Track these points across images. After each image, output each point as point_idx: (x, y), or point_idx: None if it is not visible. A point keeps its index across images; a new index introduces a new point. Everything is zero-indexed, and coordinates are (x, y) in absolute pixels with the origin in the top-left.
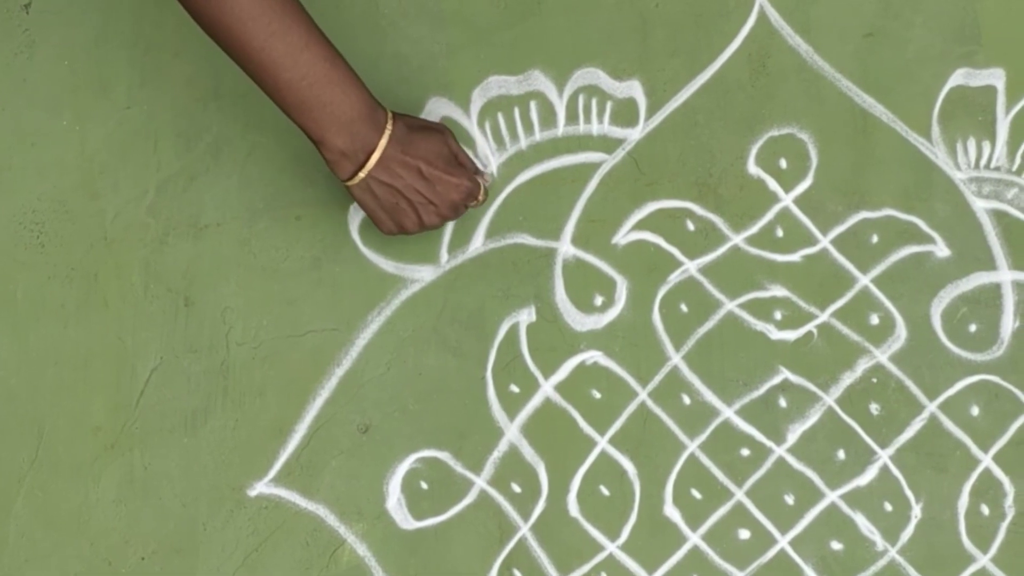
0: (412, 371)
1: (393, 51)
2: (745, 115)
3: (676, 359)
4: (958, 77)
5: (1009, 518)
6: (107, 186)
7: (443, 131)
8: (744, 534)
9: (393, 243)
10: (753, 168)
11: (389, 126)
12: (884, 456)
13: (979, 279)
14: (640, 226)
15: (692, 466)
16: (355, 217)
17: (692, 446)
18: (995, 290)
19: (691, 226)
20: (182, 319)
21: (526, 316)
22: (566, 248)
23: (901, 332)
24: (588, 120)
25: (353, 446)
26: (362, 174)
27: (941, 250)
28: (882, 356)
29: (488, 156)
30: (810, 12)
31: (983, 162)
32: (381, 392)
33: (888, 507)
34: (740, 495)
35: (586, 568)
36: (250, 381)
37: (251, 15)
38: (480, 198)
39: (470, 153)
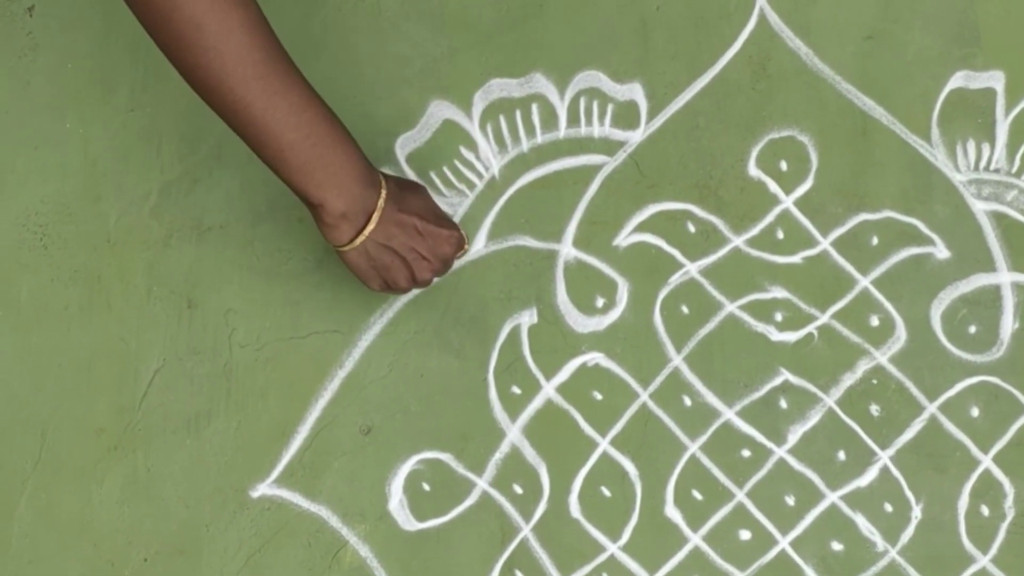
0: (414, 373)
1: (395, 53)
2: (745, 117)
3: (677, 360)
4: (958, 79)
5: (1009, 519)
6: (110, 189)
7: (423, 187)
8: (745, 535)
9: None
10: (754, 170)
11: (384, 185)
12: (884, 457)
13: (979, 280)
14: (641, 228)
15: (693, 467)
16: None
17: (693, 447)
18: (995, 291)
19: (692, 228)
20: (185, 321)
21: (528, 318)
22: (567, 250)
23: (901, 333)
24: (589, 122)
25: (355, 447)
26: (361, 238)
27: (941, 252)
28: (882, 357)
29: (490, 158)
30: (810, 15)
31: (983, 164)
32: (383, 394)
33: (888, 508)
34: (741, 496)
35: (587, 569)
36: (253, 383)
37: (254, 75)
38: (466, 247)
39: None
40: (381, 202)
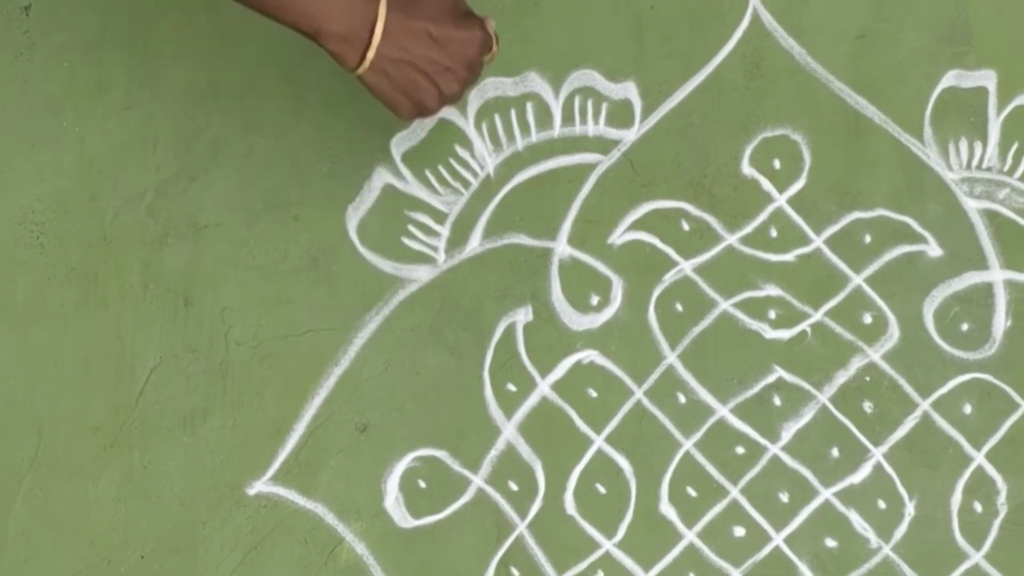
0: (410, 370)
1: None
2: (739, 116)
3: (671, 358)
4: (950, 78)
5: (1002, 515)
6: (106, 187)
7: None
8: (739, 531)
9: (391, 243)
10: (747, 169)
11: None
12: (877, 454)
13: (971, 278)
14: (635, 226)
15: (687, 464)
16: (353, 217)
17: (687, 444)
18: (987, 289)
19: (686, 226)
20: (181, 319)
21: (523, 316)
22: (562, 248)
23: (894, 331)
24: (584, 121)
25: (351, 445)
26: (371, 55)
27: (933, 250)
28: (875, 355)
29: (485, 157)
30: (803, 14)
31: (975, 162)
32: (379, 391)
33: (882, 504)
34: (735, 493)
35: (583, 566)
36: (249, 380)
37: None
38: (494, 48)
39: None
40: (382, 11)
